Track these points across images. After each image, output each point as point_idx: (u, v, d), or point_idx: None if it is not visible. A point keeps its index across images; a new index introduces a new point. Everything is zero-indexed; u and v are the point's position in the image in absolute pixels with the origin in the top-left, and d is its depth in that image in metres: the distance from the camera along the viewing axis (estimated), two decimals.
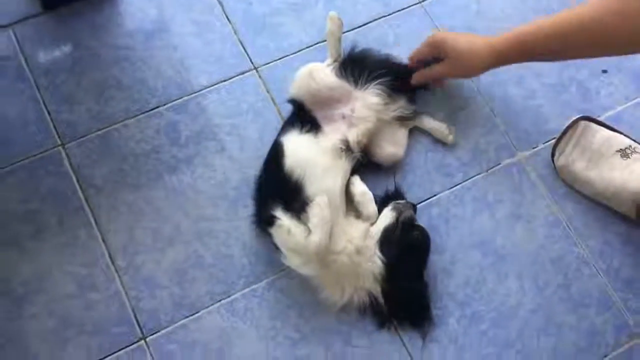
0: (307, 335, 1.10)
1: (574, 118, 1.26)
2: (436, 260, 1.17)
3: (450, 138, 1.24)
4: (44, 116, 1.21)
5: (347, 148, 1.12)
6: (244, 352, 1.09)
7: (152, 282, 1.12)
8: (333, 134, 1.14)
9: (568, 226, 1.22)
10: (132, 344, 1.08)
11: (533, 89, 1.33)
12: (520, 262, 1.19)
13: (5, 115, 1.20)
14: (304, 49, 1.33)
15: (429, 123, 1.25)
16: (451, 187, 1.23)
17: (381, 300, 1.08)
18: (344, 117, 1.15)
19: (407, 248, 1.08)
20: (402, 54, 1.30)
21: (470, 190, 1.24)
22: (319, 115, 1.15)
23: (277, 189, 1.09)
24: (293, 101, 1.19)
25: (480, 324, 1.14)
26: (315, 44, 1.33)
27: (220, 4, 1.34)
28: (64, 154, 1.19)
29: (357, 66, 1.18)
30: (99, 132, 1.21)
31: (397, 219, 1.09)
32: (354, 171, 1.14)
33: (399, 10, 1.38)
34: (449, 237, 1.19)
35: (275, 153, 1.13)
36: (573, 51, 1.10)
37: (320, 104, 1.16)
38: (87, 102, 1.23)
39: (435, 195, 1.22)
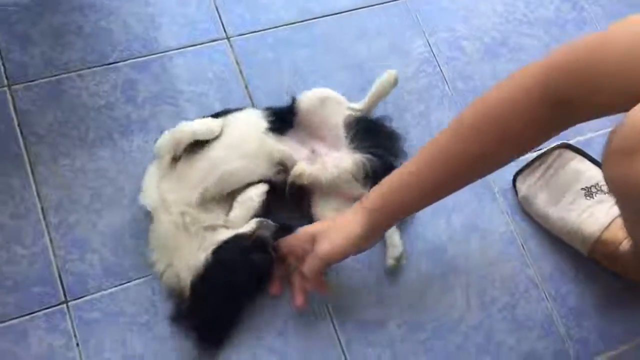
0: (239, 319, 1.05)
1: (552, 145, 1.22)
2: (384, 263, 1.12)
3: (391, 263, 1.10)
4: None
5: (284, 170, 1.06)
6: (167, 327, 1.02)
7: (83, 245, 1.05)
8: (293, 150, 1.07)
9: (523, 246, 1.20)
10: (53, 306, 1.00)
11: None
12: (470, 276, 1.16)
13: None
14: (281, 25, 1.27)
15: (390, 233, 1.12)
16: None
17: (186, 293, 1.00)
18: (313, 151, 1.09)
19: (235, 264, 0.99)
20: (382, 46, 1.26)
21: None
22: (298, 131, 1.09)
23: None
24: (293, 102, 1.11)
25: (420, 333, 1.10)
26: (293, 23, 1.27)
27: None
28: (8, 96, 1.11)
29: (368, 130, 1.11)
30: (51, 79, 1.13)
31: (252, 233, 1.00)
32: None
33: (381, 3, 1.34)
34: (402, 239, 1.15)
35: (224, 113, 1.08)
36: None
37: (309, 126, 1.10)
38: (42, 45, 1.15)
39: None
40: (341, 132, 1.10)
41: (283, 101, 1.18)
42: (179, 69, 1.19)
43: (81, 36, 1.17)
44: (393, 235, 1.10)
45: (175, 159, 1.03)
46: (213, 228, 1.01)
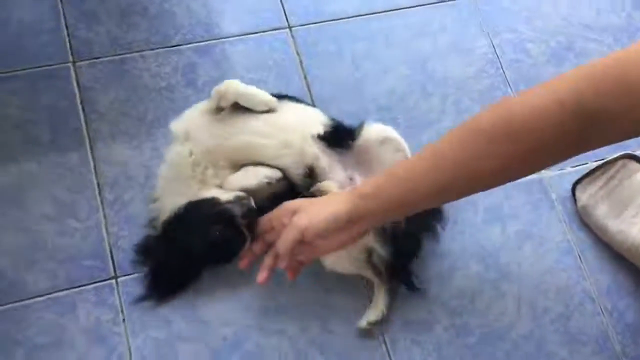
0: (284, 307, 1.04)
1: (616, 155, 1.16)
2: (434, 264, 1.10)
3: (363, 325, 1.04)
4: (61, 29, 1.15)
5: (310, 175, 1.00)
6: (212, 309, 1.02)
7: (136, 222, 1.05)
8: (330, 167, 1.02)
9: (580, 256, 1.15)
10: (102, 280, 1.01)
11: None
12: (522, 284, 1.12)
13: (21, 19, 1.14)
14: (344, 18, 1.26)
15: (378, 292, 1.05)
16: None
17: (158, 230, 1.00)
18: (351, 179, 1.03)
19: (193, 225, 0.96)
20: (444, 43, 1.23)
21: (485, 197, 1.16)
22: (348, 155, 1.04)
23: None
24: (358, 127, 1.04)
25: (468, 337, 1.07)
26: (357, 16, 1.26)
27: None
28: (72, 72, 1.12)
29: None
30: (114, 57, 1.15)
31: (228, 202, 0.96)
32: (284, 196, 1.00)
33: (445, 1, 1.31)
34: (454, 241, 1.12)
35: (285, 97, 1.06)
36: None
37: (360, 156, 1.04)
38: (108, 24, 1.17)
39: None
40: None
41: (342, 93, 1.18)
42: (240, 55, 1.19)
43: (146, 17, 1.19)
44: (379, 298, 1.04)
45: (220, 109, 1.01)
46: (206, 183, 1.00)
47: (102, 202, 1.05)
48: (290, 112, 1.05)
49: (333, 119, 1.07)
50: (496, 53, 1.29)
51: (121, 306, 1.00)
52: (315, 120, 1.05)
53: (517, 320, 1.09)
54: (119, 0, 1.19)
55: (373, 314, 1.04)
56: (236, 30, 1.21)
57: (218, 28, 1.21)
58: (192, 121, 1.02)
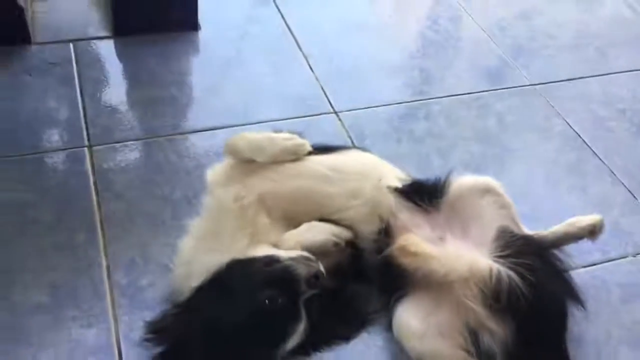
0: None
1: None
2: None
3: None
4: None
5: (387, 233, 0.78)
6: None
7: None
8: (412, 224, 0.80)
9: None
10: None
11: None
12: None
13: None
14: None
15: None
16: (587, 266, 0.90)
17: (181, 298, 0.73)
18: (441, 239, 0.79)
19: (236, 292, 0.70)
20: None
21: (613, 274, 0.89)
22: (435, 215, 0.81)
23: None
24: (444, 181, 0.82)
25: None
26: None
27: None
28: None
29: (529, 251, 0.78)
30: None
31: (290, 259, 0.70)
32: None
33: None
34: (590, 322, 0.81)
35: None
36: None
37: (452, 214, 0.81)
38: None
39: None
40: (491, 233, 0.79)
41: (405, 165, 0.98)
42: None
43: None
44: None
45: None
46: (257, 237, 0.75)
47: (110, 287, 0.79)
48: (358, 159, 0.86)
49: (410, 176, 0.86)
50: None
51: None
52: (388, 172, 0.85)
53: None
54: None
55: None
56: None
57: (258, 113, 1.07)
58: (236, 166, 0.82)
